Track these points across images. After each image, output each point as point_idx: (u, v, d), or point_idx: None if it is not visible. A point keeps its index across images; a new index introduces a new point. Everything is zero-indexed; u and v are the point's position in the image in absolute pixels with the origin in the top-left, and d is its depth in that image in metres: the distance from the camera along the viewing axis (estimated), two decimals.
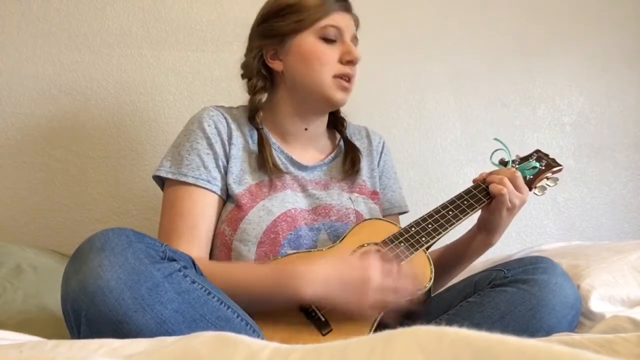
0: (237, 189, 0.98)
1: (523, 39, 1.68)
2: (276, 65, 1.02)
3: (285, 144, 1.06)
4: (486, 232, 1.01)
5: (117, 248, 0.68)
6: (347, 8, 1.03)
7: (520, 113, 1.66)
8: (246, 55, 1.08)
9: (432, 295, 0.95)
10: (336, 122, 1.14)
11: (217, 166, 0.98)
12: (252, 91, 1.04)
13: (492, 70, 1.65)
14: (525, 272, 0.86)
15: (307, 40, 0.99)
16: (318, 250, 0.95)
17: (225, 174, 0.99)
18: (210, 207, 0.97)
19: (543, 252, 1.15)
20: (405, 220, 1.02)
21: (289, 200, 0.99)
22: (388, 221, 1.01)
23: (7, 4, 1.37)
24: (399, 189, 1.18)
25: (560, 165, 1.06)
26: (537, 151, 1.09)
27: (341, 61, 1.00)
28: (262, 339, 0.75)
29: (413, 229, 0.95)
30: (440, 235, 0.94)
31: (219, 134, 1.00)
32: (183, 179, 0.96)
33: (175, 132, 1.05)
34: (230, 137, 1.01)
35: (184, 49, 1.45)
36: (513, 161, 1.06)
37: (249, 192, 0.98)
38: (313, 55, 0.99)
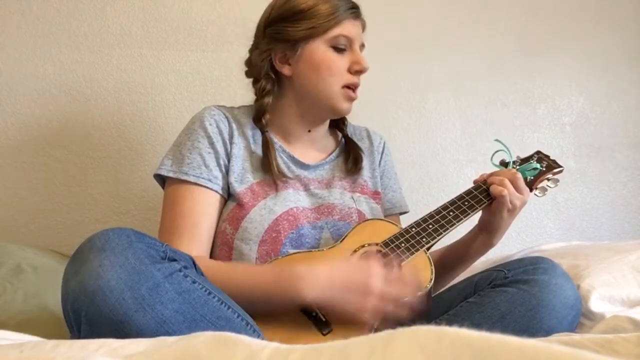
0: (238, 188, 0.98)
1: (523, 39, 1.68)
2: (285, 70, 1.02)
3: (287, 143, 1.07)
4: (487, 232, 1.01)
5: (118, 248, 0.68)
6: (357, 15, 1.03)
7: (520, 113, 1.66)
8: (251, 52, 1.07)
9: (433, 295, 0.95)
10: (337, 122, 1.14)
11: (218, 165, 0.98)
12: (260, 94, 1.04)
13: (492, 70, 1.65)
14: (525, 272, 0.86)
15: (318, 49, 0.99)
16: (319, 250, 0.95)
17: (226, 172, 0.99)
18: (211, 205, 0.97)
19: (543, 252, 1.15)
20: (405, 221, 1.02)
21: (291, 199, 0.99)
22: (389, 221, 1.01)
23: (7, 4, 1.37)
24: (399, 189, 1.18)
25: (561, 167, 1.06)
26: (538, 152, 1.09)
27: (350, 70, 1.01)
28: (263, 339, 0.75)
29: (413, 229, 0.95)
30: (440, 236, 0.94)
31: (221, 133, 1.00)
32: (184, 177, 0.96)
33: (175, 132, 1.05)
34: (231, 136, 1.01)
35: (184, 49, 1.45)
36: (514, 162, 1.06)
37: (250, 190, 0.98)
38: (324, 64, 0.99)
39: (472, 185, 1.01)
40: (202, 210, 0.96)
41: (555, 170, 1.05)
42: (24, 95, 1.37)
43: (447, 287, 1.02)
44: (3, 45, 1.37)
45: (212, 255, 0.99)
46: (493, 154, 1.05)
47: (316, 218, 1.00)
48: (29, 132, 1.37)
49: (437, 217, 0.97)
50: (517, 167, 1.05)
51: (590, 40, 1.72)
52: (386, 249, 0.92)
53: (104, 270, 0.66)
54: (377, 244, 0.94)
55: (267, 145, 1.01)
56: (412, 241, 0.93)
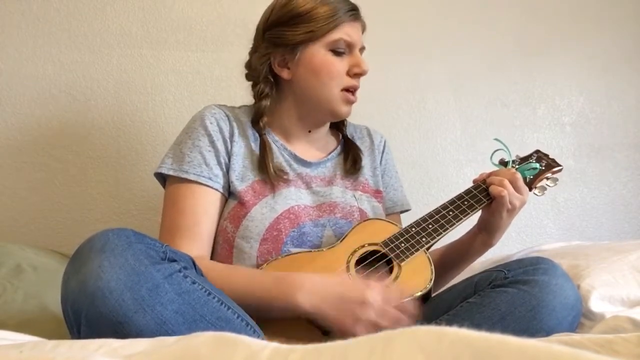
0: (239, 186, 0.98)
1: (523, 39, 1.68)
2: (284, 74, 1.02)
3: (289, 142, 1.07)
4: (486, 232, 1.01)
5: (117, 249, 0.68)
6: (357, 17, 1.02)
7: (520, 113, 1.66)
8: (251, 55, 1.07)
9: (432, 295, 0.95)
10: (337, 122, 1.14)
11: (219, 163, 0.99)
12: (258, 97, 1.04)
13: (492, 70, 1.65)
14: (525, 272, 0.86)
15: (318, 53, 0.99)
16: (318, 250, 0.95)
17: (227, 171, 0.99)
18: (212, 204, 0.97)
19: (543, 252, 1.15)
20: (405, 220, 1.02)
21: (292, 197, 1.00)
22: (389, 221, 1.01)
23: (7, 4, 1.37)
24: (400, 187, 1.18)
25: (560, 166, 1.06)
26: (537, 151, 1.09)
27: (349, 73, 1.01)
28: (263, 339, 0.75)
29: (413, 229, 0.95)
30: (440, 236, 0.94)
31: (221, 131, 1.00)
32: (184, 175, 0.96)
33: (175, 132, 1.05)
34: (232, 135, 1.01)
35: (184, 49, 1.45)
36: (513, 161, 1.06)
37: (251, 188, 0.98)
38: (323, 68, 0.99)
39: (471, 184, 1.01)
40: (203, 209, 0.96)
41: (555, 169, 1.05)
42: (24, 95, 1.37)
43: (447, 287, 1.02)
44: (3, 45, 1.37)
45: (213, 254, 0.99)
46: (492, 153, 1.05)
47: (318, 216, 1.00)
48: (29, 132, 1.37)
49: (436, 216, 0.97)
50: (517, 166, 1.05)
51: (590, 40, 1.72)
52: (386, 249, 0.92)
53: (103, 271, 0.66)
54: (377, 244, 0.94)
55: (264, 147, 1.01)
56: (412, 241, 0.93)
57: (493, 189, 0.95)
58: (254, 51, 1.06)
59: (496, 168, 1.03)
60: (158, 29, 1.45)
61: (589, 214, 1.68)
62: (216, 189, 0.97)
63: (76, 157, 1.38)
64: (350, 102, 1.03)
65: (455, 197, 1.00)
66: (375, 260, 0.92)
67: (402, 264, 0.90)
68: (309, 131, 1.08)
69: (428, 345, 0.39)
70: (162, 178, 1.02)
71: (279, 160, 1.03)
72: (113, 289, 0.65)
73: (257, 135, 1.04)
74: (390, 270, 0.90)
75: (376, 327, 0.77)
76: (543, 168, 1.04)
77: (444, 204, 0.99)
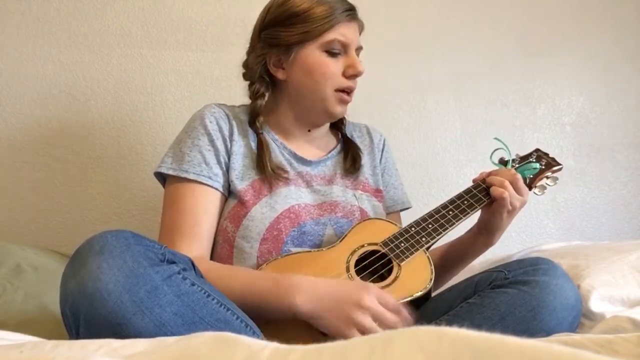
0: (239, 185, 0.98)
1: (525, 38, 1.68)
2: (279, 74, 1.02)
3: (288, 141, 1.07)
4: (487, 232, 1.01)
5: (116, 251, 0.68)
6: (353, 17, 1.02)
7: (520, 113, 1.66)
8: (248, 54, 1.07)
9: (432, 295, 0.95)
10: (336, 122, 1.14)
11: (219, 162, 0.98)
12: (254, 96, 1.04)
13: (494, 70, 1.65)
14: (525, 273, 0.86)
15: (312, 53, 0.99)
16: (318, 250, 0.95)
17: (227, 170, 0.99)
18: (212, 203, 0.97)
19: (543, 252, 1.15)
20: (405, 220, 1.02)
21: (292, 196, 0.99)
22: (389, 221, 1.01)
23: (7, 4, 1.37)
24: (400, 185, 1.18)
25: (560, 165, 1.06)
26: (537, 150, 1.09)
27: (344, 74, 1.00)
28: (262, 340, 0.75)
29: (413, 228, 0.95)
30: (440, 235, 0.94)
31: (221, 130, 1.00)
32: (184, 175, 0.96)
33: (175, 132, 1.05)
34: (231, 134, 1.01)
35: (184, 49, 1.45)
36: (513, 160, 1.06)
37: (252, 187, 0.98)
38: (318, 69, 0.99)
39: (471, 184, 1.01)
40: (203, 208, 0.96)
41: (555, 169, 1.05)
42: (24, 95, 1.37)
43: (447, 287, 1.02)
44: (3, 45, 1.37)
45: (213, 253, 0.99)
46: (492, 152, 1.05)
47: (319, 215, 1.00)
48: (29, 132, 1.37)
49: (436, 216, 0.97)
50: (517, 165, 1.05)
51: (592, 40, 1.72)
52: (386, 249, 0.92)
53: (102, 273, 0.66)
54: (376, 244, 0.94)
55: (261, 146, 1.01)
56: (412, 241, 0.93)
57: (494, 191, 0.95)
58: (250, 51, 1.06)
59: (496, 167, 1.03)
60: (158, 29, 1.45)
61: (589, 214, 1.68)
62: (216, 188, 0.97)
63: (76, 157, 1.38)
64: (345, 102, 1.03)
65: (455, 197, 1.00)
66: (375, 260, 0.92)
67: (402, 263, 0.90)
68: (309, 130, 1.08)
69: (428, 345, 0.39)
70: (162, 177, 1.02)
71: (278, 159, 1.03)
72: (112, 290, 0.65)
73: (255, 133, 1.04)
74: (390, 270, 0.90)
75: (371, 332, 0.77)
76: (543, 167, 1.04)
77: (444, 203, 0.99)
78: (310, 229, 0.98)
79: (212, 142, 0.99)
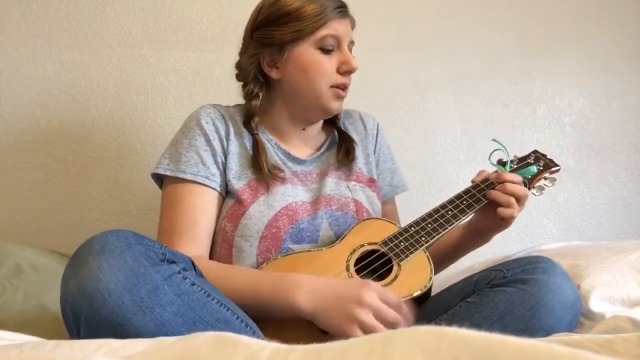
0: (237, 184, 0.98)
1: (523, 38, 1.68)
2: (273, 74, 1.02)
3: (283, 141, 1.07)
4: (485, 232, 1.02)
5: (116, 250, 0.68)
6: (345, 14, 1.02)
7: (520, 113, 1.66)
8: (240, 55, 1.07)
9: (432, 295, 0.95)
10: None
11: (216, 162, 0.99)
12: (248, 97, 1.04)
13: (492, 70, 1.65)
14: (524, 272, 0.86)
15: (306, 51, 0.99)
16: (318, 249, 0.95)
17: (224, 170, 0.99)
18: (210, 203, 0.97)
19: (543, 252, 1.15)
20: (405, 220, 1.02)
21: (289, 194, 1.00)
22: (388, 221, 1.02)
23: (7, 4, 1.37)
24: (397, 169, 1.19)
25: (558, 166, 1.06)
26: (535, 151, 1.09)
27: (339, 71, 1.00)
28: (262, 340, 0.75)
29: (412, 228, 0.95)
30: (439, 235, 0.95)
31: (217, 130, 1.01)
32: (181, 175, 0.96)
33: (175, 132, 1.05)
34: (228, 134, 1.02)
35: (184, 49, 1.45)
36: (511, 161, 1.06)
37: (249, 187, 0.98)
38: (312, 66, 0.99)
39: (470, 184, 1.02)
40: (201, 209, 0.96)
41: (553, 170, 1.06)
42: (24, 95, 1.37)
43: (446, 287, 1.02)
44: (3, 45, 1.37)
45: (212, 253, 0.99)
46: (490, 154, 1.05)
47: (314, 210, 1.00)
48: (29, 132, 1.37)
49: (435, 216, 0.97)
50: (515, 166, 1.05)
51: (590, 40, 1.72)
52: (385, 248, 0.92)
53: (102, 273, 0.66)
54: (376, 243, 0.94)
55: (257, 147, 1.01)
56: (411, 240, 0.93)
57: (503, 212, 0.94)
58: (243, 51, 1.06)
59: (495, 168, 1.04)
60: (158, 29, 1.45)
61: (589, 214, 1.68)
62: (213, 188, 0.97)
63: (76, 157, 1.38)
64: (340, 98, 1.02)
65: (454, 197, 1.00)
66: (374, 260, 0.92)
67: (402, 263, 0.90)
68: (303, 129, 1.08)
69: (428, 345, 0.39)
70: (159, 179, 1.02)
71: (273, 159, 1.03)
72: (112, 290, 0.65)
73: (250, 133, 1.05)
74: (390, 270, 0.91)
75: (373, 329, 0.77)
76: (541, 168, 1.05)
77: (443, 203, 0.99)
78: (307, 225, 0.98)
79: (208, 142, 0.99)
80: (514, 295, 0.83)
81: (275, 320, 0.83)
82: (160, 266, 0.70)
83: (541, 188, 1.04)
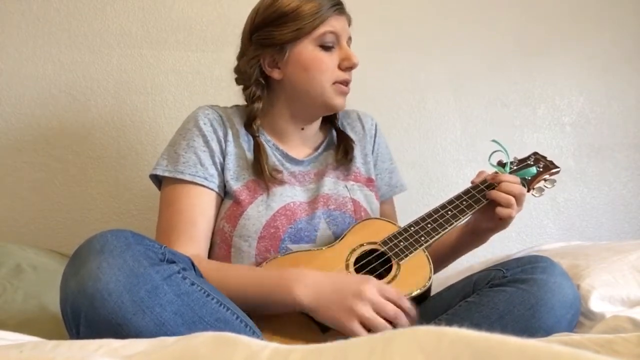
0: (235, 185, 0.98)
1: (523, 39, 1.68)
2: (275, 74, 1.02)
3: (281, 142, 1.07)
4: (483, 232, 1.02)
5: (116, 250, 0.68)
6: (342, 11, 1.03)
7: (520, 113, 1.66)
8: (238, 59, 1.07)
9: (431, 294, 0.95)
10: (329, 115, 1.14)
11: (214, 163, 0.99)
12: (250, 100, 1.04)
13: (492, 70, 1.65)
14: (524, 271, 0.86)
15: (307, 49, 0.99)
16: (318, 249, 0.95)
17: (222, 171, 0.99)
18: (208, 204, 0.97)
19: (543, 252, 1.15)
20: (404, 220, 1.02)
21: (287, 194, 1.00)
22: (388, 221, 1.02)
23: (7, 4, 1.37)
24: (395, 168, 1.19)
25: (557, 167, 1.07)
26: (535, 153, 1.10)
27: (340, 67, 1.01)
28: (262, 340, 0.75)
29: (412, 228, 0.95)
30: (439, 235, 0.95)
31: (215, 131, 1.01)
32: (180, 176, 0.96)
33: (174, 132, 1.05)
34: (225, 135, 1.02)
35: (184, 49, 1.45)
36: (511, 163, 1.06)
37: (247, 187, 0.98)
38: (313, 64, 0.99)
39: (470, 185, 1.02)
40: (199, 209, 0.96)
41: (553, 171, 1.06)
42: (24, 95, 1.37)
43: (446, 286, 1.03)
44: (3, 45, 1.37)
45: (211, 254, 0.99)
46: (490, 155, 1.05)
47: (312, 209, 1.00)
48: (29, 132, 1.37)
49: (435, 216, 0.97)
50: (515, 167, 1.05)
51: (590, 40, 1.72)
52: (385, 248, 0.92)
53: (102, 273, 0.66)
54: (375, 243, 0.94)
55: (258, 149, 1.01)
56: (411, 240, 0.93)
57: (501, 212, 0.94)
58: (241, 55, 1.06)
59: (494, 169, 1.04)
60: (158, 29, 1.45)
61: (589, 214, 1.68)
62: (212, 189, 0.97)
63: (76, 157, 1.38)
64: (343, 94, 1.02)
65: (453, 197, 1.00)
66: (374, 259, 0.92)
67: (401, 262, 0.90)
68: (302, 129, 1.08)
69: (428, 345, 0.39)
70: (158, 180, 1.02)
71: (272, 160, 1.03)
72: (112, 290, 0.65)
73: (249, 135, 1.04)
74: (389, 269, 0.91)
75: (373, 323, 0.77)
76: (541, 170, 1.05)
77: (443, 203, 0.99)
78: (305, 225, 0.98)
79: (206, 143, 0.99)
80: (514, 295, 0.83)
81: (274, 318, 0.83)
82: (160, 266, 0.70)
83: (541, 189, 1.04)
